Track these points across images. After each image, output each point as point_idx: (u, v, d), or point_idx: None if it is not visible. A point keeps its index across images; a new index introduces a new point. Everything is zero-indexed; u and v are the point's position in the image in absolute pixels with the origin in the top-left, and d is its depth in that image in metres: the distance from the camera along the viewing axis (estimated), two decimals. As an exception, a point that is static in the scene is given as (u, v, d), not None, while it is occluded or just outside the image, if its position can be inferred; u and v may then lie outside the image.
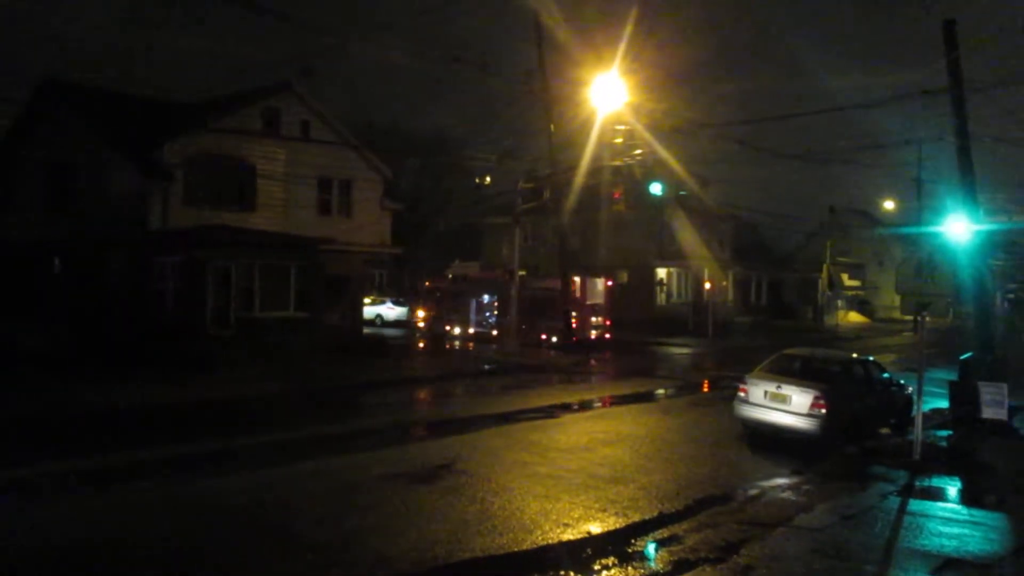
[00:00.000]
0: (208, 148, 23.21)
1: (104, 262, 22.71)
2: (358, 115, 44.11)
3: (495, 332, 30.50)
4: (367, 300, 32.56)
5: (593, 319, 29.93)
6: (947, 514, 9.79)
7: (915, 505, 10.07)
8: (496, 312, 31.16)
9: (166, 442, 12.17)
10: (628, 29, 25.20)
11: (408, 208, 33.18)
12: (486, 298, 31.86)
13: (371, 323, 34.31)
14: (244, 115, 24.38)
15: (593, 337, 29.68)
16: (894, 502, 10.22)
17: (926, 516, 9.57)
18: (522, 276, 28.88)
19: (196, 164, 23.05)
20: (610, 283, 31.83)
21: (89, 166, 23.90)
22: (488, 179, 43.12)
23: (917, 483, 11.19)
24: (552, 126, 28.49)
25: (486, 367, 23.26)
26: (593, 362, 25.79)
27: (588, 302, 30.08)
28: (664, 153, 30.26)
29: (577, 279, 29.31)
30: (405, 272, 48.36)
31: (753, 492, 10.52)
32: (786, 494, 10.50)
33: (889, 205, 54.05)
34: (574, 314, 28.49)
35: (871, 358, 15.79)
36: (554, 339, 28.41)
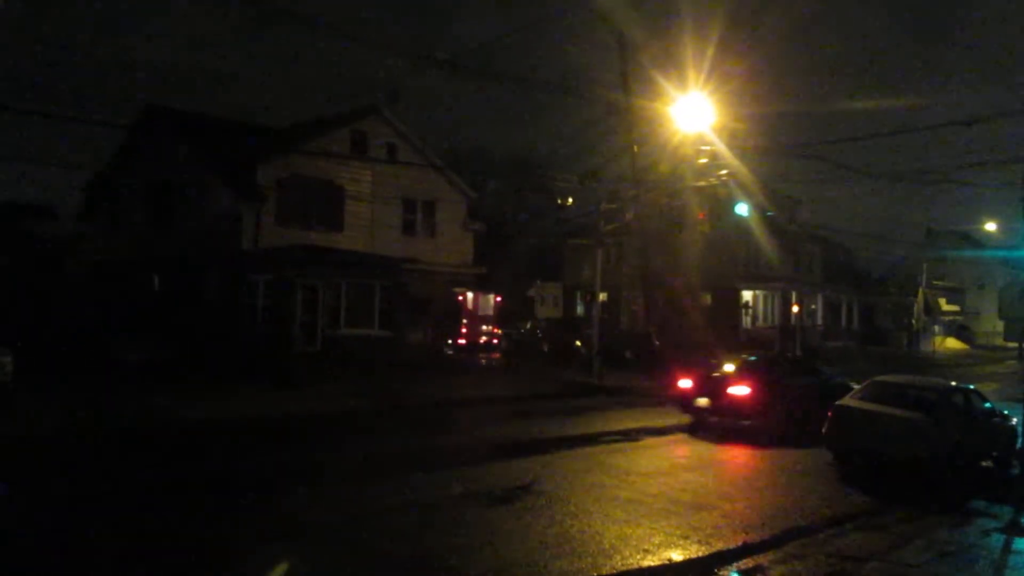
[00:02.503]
0: (299, 170, 24.01)
1: (200, 279, 23.69)
2: (441, 137, 45.07)
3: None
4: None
5: (484, 327, 35.32)
6: (1056, 555, 9.18)
7: (1021, 543, 9.49)
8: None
9: (256, 455, 12.57)
10: (711, 51, 24.89)
11: (490, 229, 33.79)
12: None
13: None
14: (333, 138, 25.17)
15: (482, 341, 34.38)
16: (997, 540, 9.65)
17: (1033, 556, 9.00)
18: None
19: (287, 185, 23.87)
20: (499, 299, 38.24)
21: (187, 187, 25.05)
22: (570, 200, 43.18)
23: (1023, 520, 10.56)
24: (636, 147, 28.32)
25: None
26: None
27: (480, 314, 35.67)
28: (749, 173, 29.68)
29: (470, 294, 34.00)
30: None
31: (843, 524, 10.10)
32: (878, 527, 10.04)
33: (991, 227, 51.48)
34: (465, 322, 32.82)
35: (971, 387, 14.99)
36: (460, 341, 32.21)
